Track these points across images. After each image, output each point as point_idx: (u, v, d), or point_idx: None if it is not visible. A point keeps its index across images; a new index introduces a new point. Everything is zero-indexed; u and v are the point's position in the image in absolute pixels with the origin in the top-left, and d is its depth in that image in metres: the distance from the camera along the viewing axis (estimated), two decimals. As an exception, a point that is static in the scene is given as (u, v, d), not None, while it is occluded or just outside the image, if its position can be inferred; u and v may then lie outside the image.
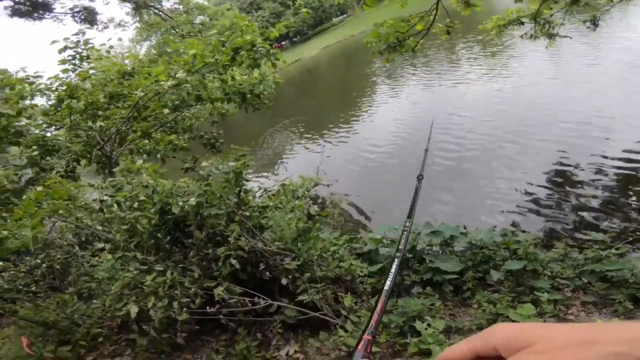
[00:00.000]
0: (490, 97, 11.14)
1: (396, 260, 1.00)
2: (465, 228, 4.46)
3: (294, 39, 60.83)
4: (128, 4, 14.07)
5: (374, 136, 11.75)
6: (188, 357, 3.46)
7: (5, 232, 3.52)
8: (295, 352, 3.30)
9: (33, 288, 4.40)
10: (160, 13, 13.87)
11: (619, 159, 6.46)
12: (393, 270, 0.95)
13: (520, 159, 7.55)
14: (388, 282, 0.90)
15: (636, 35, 11.75)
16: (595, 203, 5.73)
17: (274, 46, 4.48)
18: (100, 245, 5.09)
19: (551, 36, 6.66)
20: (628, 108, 7.74)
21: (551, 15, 6.43)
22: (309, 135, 15.07)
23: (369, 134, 12.24)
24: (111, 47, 5.32)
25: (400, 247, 1.08)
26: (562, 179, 6.56)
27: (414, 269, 4.06)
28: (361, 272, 3.90)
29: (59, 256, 4.91)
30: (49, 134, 4.48)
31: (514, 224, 5.82)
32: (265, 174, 12.46)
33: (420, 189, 1.62)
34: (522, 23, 6.72)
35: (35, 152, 3.89)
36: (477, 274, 3.79)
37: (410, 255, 4.15)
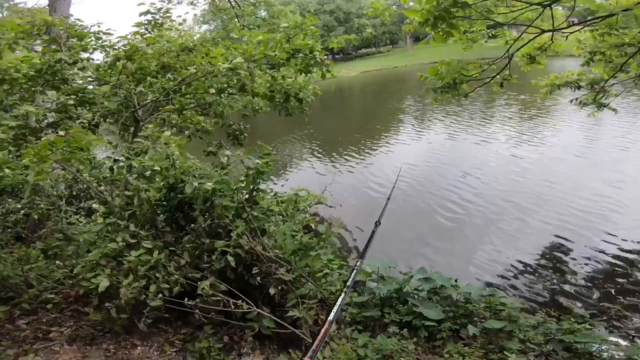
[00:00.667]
0: (510, 165, 11.09)
1: (343, 294, 1.12)
2: (456, 281, 4.49)
3: (337, 56, 61.96)
4: None
5: (383, 174, 11.66)
6: (136, 342, 3.19)
7: (7, 171, 3.36)
8: (258, 363, 3.12)
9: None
10: (232, 0, 14.23)
11: (615, 250, 6.61)
12: (338, 302, 1.06)
13: (518, 234, 7.53)
14: (332, 314, 1.00)
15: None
16: (583, 283, 5.97)
17: (327, 58, 4.48)
18: (93, 204, 4.95)
19: (601, 106, 6.48)
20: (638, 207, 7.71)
21: (612, 85, 6.24)
22: (321, 153, 15.04)
23: (379, 170, 12.15)
24: (184, 20, 5.47)
25: (349, 282, 1.24)
26: (556, 257, 6.69)
27: (396, 309, 4.11)
28: (346, 300, 3.77)
29: (42, 205, 4.71)
30: (90, 87, 4.49)
31: (503, 288, 6.03)
32: (272, 178, 12.36)
33: (375, 233, 1.67)
34: (579, 87, 6.47)
35: (71, 101, 3.86)
36: (454, 325, 3.90)
37: (395, 296, 4.23)
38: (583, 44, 5.98)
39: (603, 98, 6.45)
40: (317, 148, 15.90)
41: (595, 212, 7.84)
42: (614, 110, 6.62)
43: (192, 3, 15.80)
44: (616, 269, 6.19)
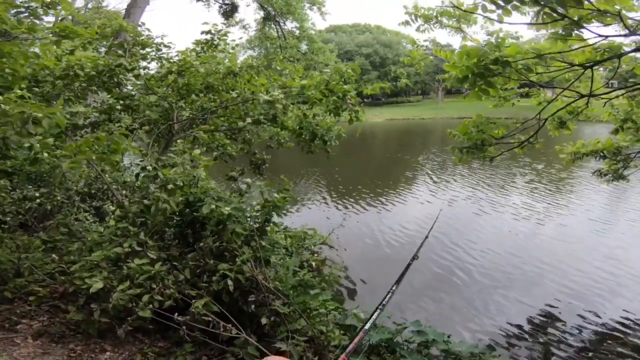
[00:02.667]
0: (516, 233, 10.86)
1: (378, 311, 1.26)
2: (449, 337, 4.34)
3: (365, 100, 62.81)
4: (262, 12, 15.43)
5: (392, 227, 11.53)
6: (107, 347, 3.09)
7: (45, 155, 3.46)
8: (232, 391, 2.98)
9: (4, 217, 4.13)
10: (280, 30, 15.04)
11: (608, 322, 6.40)
12: (375, 315, 1.22)
13: (516, 300, 7.35)
14: (369, 324, 1.16)
15: None
16: (575, 351, 5.78)
17: (360, 105, 4.57)
18: (105, 206, 5.02)
19: (620, 177, 6.15)
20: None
21: (637, 155, 5.84)
22: (335, 195, 15.03)
23: (388, 222, 12.01)
24: (237, 45, 5.73)
25: (384, 302, 1.38)
26: (554, 321, 6.52)
27: (383, 358, 3.99)
28: (336, 342, 3.67)
29: (58, 197, 4.78)
30: (137, 94, 4.73)
31: (495, 349, 5.84)
32: (284, 212, 12.36)
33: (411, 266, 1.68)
34: (605, 157, 6.02)
35: (119, 106, 4.07)
36: None
37: (385, 344, 4.11)
38: (616, 109, 5.63)
39: (623, 169, 6.11)
40: (332, 189, 15.93)
41: (596, 283, 7.64)
42: (627, 180, 6.27)
43: (244, 27, 16.83)
44: (607, 340, 5.98)
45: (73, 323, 3.07)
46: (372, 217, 12.38)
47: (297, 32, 14.91)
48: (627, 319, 6.38)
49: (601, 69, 4.57)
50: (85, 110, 3.22)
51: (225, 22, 14.77)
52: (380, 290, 6.99)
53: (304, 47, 15.18)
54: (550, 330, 6.27)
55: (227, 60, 5.28)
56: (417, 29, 4.30)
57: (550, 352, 5.74)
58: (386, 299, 1.33)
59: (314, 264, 5.59)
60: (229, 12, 15.17)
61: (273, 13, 14.74)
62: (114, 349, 3.07)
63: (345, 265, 8.18)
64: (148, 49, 4.93)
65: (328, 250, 8.24)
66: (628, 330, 6.13)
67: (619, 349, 5.70)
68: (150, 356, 3.04)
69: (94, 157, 2.95)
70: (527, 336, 6.15)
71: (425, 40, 5.32)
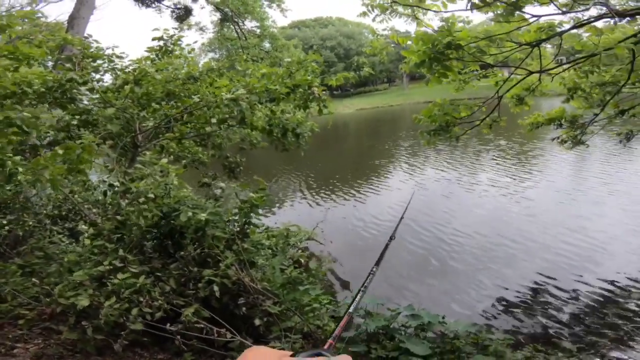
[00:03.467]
0: (496, 205, 11.22)
1: (361, 293, 1.18)
2: (443, 318, 4.43)
3: (335, 92, 63.30)
4: (218, 14, 15.03)
5: (375, 212, 11.69)
6: None
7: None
8: (237, 395, 3.00)
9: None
10: (239, 30, 14.77)
11: (598, 285, 6.66)
12: (358, 298, 1.14)
13: (503, 272, 7.59)
14: (352, 307, 1.09)
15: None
16: (569, 317, 5.96)
17: (325, 94, 4.59)
18: (82, 226, 4.90)
19: (579, 142, 6.55)
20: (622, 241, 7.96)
21: (593, 122, 6.29)
22: (317, 188, 15.08)
23: (371, 208, 12.18)
24: (193, 49, 5.63)
25: (366, 284, 1.30)
26: (541, 294, 6.72)
27: (383, 345, 4.02)
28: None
29: (30, 222, 4.68)
30: (95, 109, 4.58)
31: (489, 324, 6.00)
32: (265, 212, 12.33)
33: (389, 247, 1.81)
34: (562, 125, 6.53)
35: (74, 122, 3.93)
36: None
37: (382, 331, 4.16)
38: (566, 81, 6.09)
39: (581, 135, 6.53)
40: (310, 184, 15.94)
41: (577, 249, 7.95)
42: (586, 145, 6.75)
43: (201, 29, 16.49)
44: (600, 304, 6.21)
45: (69, 343, 3.03)
46: (353, 207, 12.51)
47: (258, 31, 14.72)
48: (611, 284, 6.61)
49: (549, 46, 4.84)
50: (36, 127, 3.07)
51: (179, 26, 14.48)
52: (374, 277, 7.15)
53: (267, 45, 15.01)
54: (537, 302, 6.45)
55: (185, 65, 5.18)
56: (374, 20, 4.36)
57: (540, 323, 5.88)
58: (367, 281, 1.36)
59: (302, 260, 5.63)
60: (183, 16, 14.84)
61: (230, 14, 14.50)
62: (116, 365, 3.05)
63: (334, 258, 8.26)
64: (99, 61, 4.76)
65: (315, 245, 8.29)
66: (612, 296, 6.35)
67: (609, 315, 5.88)
68: (152, 369, 3.03)
69: (59, 176, 2.89)
70: (515, 311, 6.30)
71: (384, 30, 5.43)
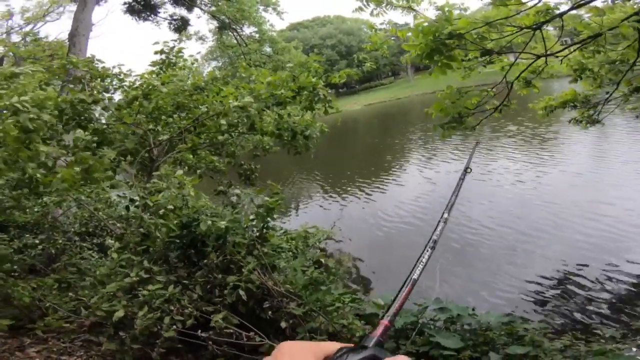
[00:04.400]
0: (518, 191, 11.06)
1: (429, 250, 0.93)
2: (473, 310, 4.32)
3: (340, 90, 63.15)
4: (215, 22, 15.20)
5: (391, 206, 11.67)
6: None
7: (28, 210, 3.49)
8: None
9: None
10: (238, 37, 14.90)
11: (635, 270, 6.45)
12: (425, 259, 0.89)
13: (532, 260, 7.41)
14: (417, 271, 0.85)
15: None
16: (608, 304, 5.78)
17: (330, 93, 4.64)
18: (109, 240, 5.08)
19: (593, 122, 6.50)
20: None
21: (607, 101, 6.25)
22: (329, 189, 15.12)
23: (387, 202, 12.17)
24: (196, 60, 5.71)
25: (435, 237, 0.99)
26: (574, 281, 6.54)
27: (412, 340, 3.93)
28: (359, 333, 3.75)
29: (60, 241, 4.90)
30: (111, 126, 4.72)
31: (522, 314, 5.80)
32: (281, 215, 12.43)
33: (462, 183, 1.46)
34: (576, 106, 6.51)
35: (94, 143, 4.07)
36: (474, 353, 3.69)
37: (411, 327, 4.04)
38: (571, 62, 5.99)
39: (596, 115, 6.48)
40: (325, 184, 15.99)
41: (608, 232, 7.73)
42: (602, 124, 6.69)
43: (200, 38, 16.68)
44: (629, 293, 5.97)
45: (109, 354, 3.17)
46: (369, 204, 12.50)
47: (257, 36, 14.82)
48: None
49: (551, 28, 4.79)
50: (46, 150, 3.17)
51: (178, 38, 14.61)
52: (390, 273, 7.03)
53: (268, 49, 15.09)
54: (569, 290, 6.27)
55: (190, 76, 5.28)
56: (371, 14, 4.37)
57: (576, 311, 5.72)
58: (438, 232, 1.03)
59: (322, 260, 5.67)
60: (180, 27, 15.00)
61: (227, 21, 14.62)
62: (153, 373, 3.18)
63: (353, 255, 8.28)
64: (108, 80, 4.91)
65: (334, 244, 8.33)
66: None
67: None
68: (187, 377, 3.14)
69: (83, 197, 3.04)
70: (547, 300, 6.17)
71: (381, 24, 5.42)
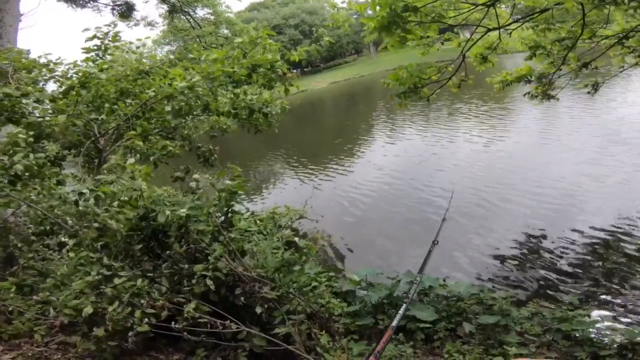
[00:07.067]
0: (478, 159, 11.45)
1: (404, 304, 1.19)
2: (444, 280, 4.52)
3: (305, 69, 62.45)
4: (165, 6, 14.33)
5: (362, 181, 11.79)
6: None
7: None
8: (256, 384, 3.07)
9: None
10: (192, 20, 14.17)
11: (591, 234, 6.87)
12: (401, 312, 1.16)
13: (495, 227, 7.72)
14: (395, 321, 1.08)
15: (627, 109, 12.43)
16: (566, 269, 6.11)
17: (291, 71, 4.50)
18: (65, 239, 4.81)
19: (548, 97, 6.88)
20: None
21: (559, 77, 6.65)
22: (301, 166, 15.07)
23: (357, 178, 12.28)
24: (144, 44, 5.37)
25: (411, 295, 1.31)
26: (535, 247, 6.88)
27: (389, 315, 4.05)
28: (337, 311, 3.77)
29: (17, 243, 4.57)
30: (47, 118, 4.38)
31: (489, 282, 6.08)
32: (251, 198, 12.27)
33: (432, 252, 1.66)
34: (530, 81, 6.84)
35: (23, 135, 3.77)
36: (449, 324, 3.89)
37: (386, 301, 4.20)
38: (526, 40, 6.36)
39: (550, 90, 6.84)
40: (294, 163, 15.94)
41: (566, 199, 8.12)
42: (557, 99, 7.07)
43: (150, 24, 15.75)
44: (594, 253, 6.38)
45: (87, 355, 3.05)
46: (339, 180, 12.61)
47: (213, 18, 14.18)
48: (602, 231, 6.78)
49: (504, 7, 5.05)
50: None
51: (129, 25, 13.74)
52: (364, 248, 7.13)
53: (225, 31, 14.50)
54: (531, 257, 6.58)
55: (134, 61, 4.97)
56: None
57: (538, 278, 6.01)
58: (413, 292, 1.32)
59: (296, 240, 5.63)
60: (126, 12, 13.99)
61: (178, 4, 13.87)
62: (135, 371, 3.09)
63: (328, 233, 8.32)
64: (37, 71, 4.52)
65: (307, 223, 8.31)
66: (604, 242, 6.53)
67: (602, 264, 6.04)
68: (170, 370, 3.07)
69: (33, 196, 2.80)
70: (511, 267, 6.43)
71: (342, 2, 5.43)
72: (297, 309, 3.21)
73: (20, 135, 3.62)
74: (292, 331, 2.98)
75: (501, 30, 4.93)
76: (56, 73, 4.55)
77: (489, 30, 4.74)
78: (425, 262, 1.58)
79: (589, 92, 7.24)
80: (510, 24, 5.04)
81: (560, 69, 6.33)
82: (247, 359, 3.10)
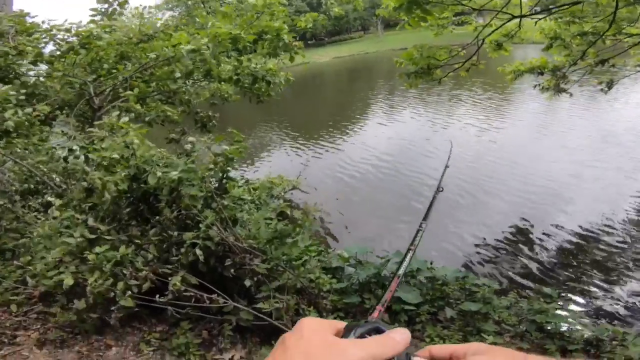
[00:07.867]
0: (473, 148, 11.29)
1: (410, 253, 1.15)
2: (431, 264, 4.52)
3: (309, 42, 60.98)
4: None
5: (357, 156, 11.67)
6: (110, 343, 3.07)
7: None
8: (241, 358, 3.02)
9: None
10: None
11: (575, 229, 6.94)
12: (407, 259, 1.12)
13: (485, 214, 7.72)
14: (402, 269, 1.06)
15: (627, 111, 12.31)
16: (548, 262, 6.21)
17: (297, 40, 4.32)
18: (50, 198, 4.63)
19: (560, 90, 6.74)
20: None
21: (573, 71, 6.53)
22: (296, 139, 14.87)
23: (353, 153, 12.14)
24: (144, 7, 5.18)
25: (416, 243, 1.23)
26: (520, 238, 6.95)
27: (375, 294, 4.08)
28: (326, 287, 3.73)
29: (1, 203, 4.35)
30: (42, 79, 4.21)
31: (474, 269, 6.17)
32: (245, 166, 12.12)
33: (436, 199, 1.71)
34: (542, 73, 6.70)
35: (22, 96, 3.61)
36: (432, 308, 3.96)
37: (374, 280, 4.19)
38: (546, 30, 6.18)
39: (563, 83, 6.69)
40: (290, 134, 15.72)
41: (554, 193, 8.13)
42: (570, 94, 6.92)
43: None
44: (577, 249, 6.48)
45: (67, 325, 3.00)
46: (335, 153, 12.50)
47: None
48: (584, 230, 6.82)
49: None
50: None
51: None
52: (357, 222, 7.09)
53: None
54: (517, 247, 6.64)
55: (138, 24, 4.74)
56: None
57: (521, 268, 6.09)
58: (417, 239, 1.25)
59: (287, 211, 5.55)
60: None
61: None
62: (117, 342, 3.06)
63: (320, 205, 8.23)
64: (37, 34, 4.35)
65: (300, 194, 8.21)
66: (586, 239, 6.60)
67: (589, 252, 6.17)
68: (153, 342, 3.06)
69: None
70: (497, 256, 6.50)
71: None
72: (287, 283, 3.14)
73: (11, 92, 3.46)
74: (280, 307, 2.92)
75: (522, 19, 4.82)
76: (58, 36, 4.39)
77: (513, 17, 4.61)
78: (429, 209, 1.51)
79: (602, 90, 7.11)
80: (534, 13, 4.92)
81: (576, 63, 6.20)
82: (233, 332, 3.07)
